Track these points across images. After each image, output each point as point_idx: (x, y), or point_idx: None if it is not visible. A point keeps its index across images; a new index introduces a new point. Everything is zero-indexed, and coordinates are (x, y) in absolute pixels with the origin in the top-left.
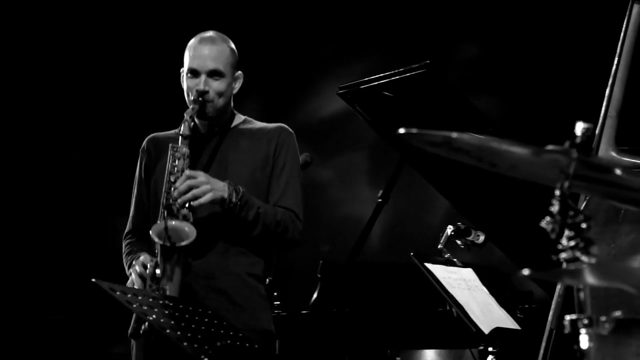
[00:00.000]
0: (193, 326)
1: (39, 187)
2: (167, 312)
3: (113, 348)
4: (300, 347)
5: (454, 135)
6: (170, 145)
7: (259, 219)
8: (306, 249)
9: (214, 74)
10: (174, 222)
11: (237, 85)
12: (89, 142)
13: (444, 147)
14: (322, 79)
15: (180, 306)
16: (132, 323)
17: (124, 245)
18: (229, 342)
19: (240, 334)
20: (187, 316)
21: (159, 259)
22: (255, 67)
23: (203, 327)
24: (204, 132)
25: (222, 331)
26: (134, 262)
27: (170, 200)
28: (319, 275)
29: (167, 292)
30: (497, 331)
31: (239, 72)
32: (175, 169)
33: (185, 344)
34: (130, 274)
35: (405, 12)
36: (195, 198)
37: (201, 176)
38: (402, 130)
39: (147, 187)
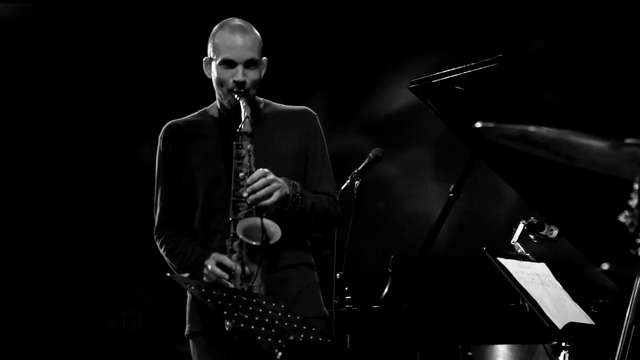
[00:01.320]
0: (266, 320)
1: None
2: (240, 306)
3: (180, 347)
4: (372, 342)
5: (531, 129)
6: (234, 142)
7: (313, 209)
8: (376, 243)
9: (250, 63)
10: (259, 220)
11: (263, 72)
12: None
13: (520, 141)
14: (387, 74)
15: (254, 300)
16: (187, 323)
17: (160, 239)
18: (301, 336)
19: (313, 328)
20: (260, 310)
21: (244, 258)
22: (322, 64)
23: (276, 322)
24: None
25: (295, 325)
26: (206, 263)
27: (239, 198)
28: (389, 270)
29: (255, 291)
30: (571, 326)
31: (265, 57)
32: (241, 166)
33: (259, 338)
34: (187, 267)
35: (469, 7)
36: (268, 196)
37: (270, 174)
38: (478, 124)
39: (177, 177)
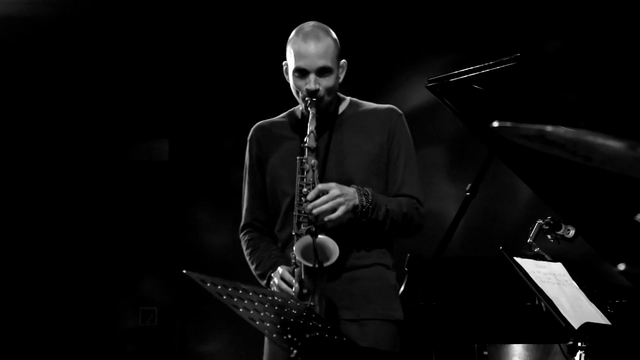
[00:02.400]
0: (282, 318)
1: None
2: (256, 304)
3: (200, 347)
4: None
5: (549, 128)
6: (297, 157)
7: (388, 217)
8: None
9: (322, 71)
10: (318, 238)
11: (343, 75)
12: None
13: (537, 141)
14: (401, 74)
15: (270, 298)
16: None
17: (243, 240)
18: (317, 334)
19: (329, 326)
20: (276, 308)
21: (303, 275)
22: None
23: (292, 319)
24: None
25: (311, 323)
26: (273, 276)
27: (303, 213)
28: (405, 269)
29: (317, 309)
30: (587, 326)
31: (343, 60)
32: (305, 180)
33: (274, 336)
34: (261, 276)
35: (483, 8)
36: (331, 211)
37: (334, 189)
38: (495, 124)
39: (262, 178)
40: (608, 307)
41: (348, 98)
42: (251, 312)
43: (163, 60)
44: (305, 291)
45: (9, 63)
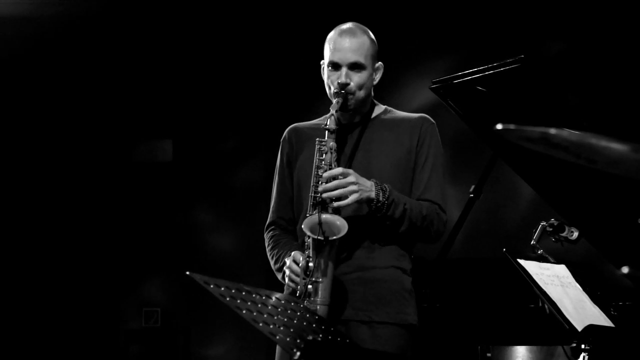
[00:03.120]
0: (285, 320)
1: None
2: (259, 305)
3: (203, 350)
4: None
5: (552, 131)
6: (317, 139)
7: (405, 216)
8: None
9: (354, 66)
10: (325, 216)
11: (378, 76)
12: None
13: (541, 143)
14: (402, 76)
15: (272, 299)
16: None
17: (266, 238)
18: (320, 336)
19: (332, 329)
20: (279, 309)
21: (311, 252)
22: None
23: (295, 321)
24: (345, 123)
25: (314, 325)
26: (286, 260)
27: (318, 195)
28: None
29: (321, 286)
30: (591, 328)
31: (380, 62)
32: (323, 162)
33: (277, 337)
34: (278, 269)
35: (484, 9)
36: (341, 197)
37: (350, 175)
38: (499, 126)
39: (290, 178)
40: (611, 309)
41: (384, 106)
42: (254, 313)
43: (167, 61)
44: (311, 265)
45: (14, 64)
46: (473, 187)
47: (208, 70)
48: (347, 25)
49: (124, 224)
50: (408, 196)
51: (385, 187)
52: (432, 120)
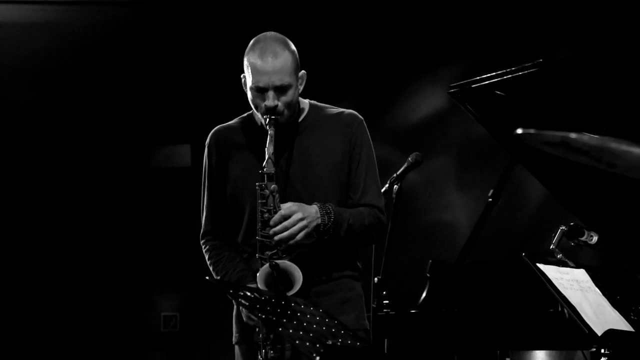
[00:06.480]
0: (304, 324)
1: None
2: (278, 310)
3: (216, 350)
4: (409, 346)
5: (573, 135)
6: (257, 183)
7: (350, 231)
8: (414, 248)
9: (281, 89)
10: (279, 264)
11: (302, 85)
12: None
13: (561, 148)
14: (411, 84)
15: (292, 304)
16: (235, 331)
17: (204, 247)
18: (340, 340)
19: (351, 333)
20: (298, 314)
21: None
22: (347, 73)
23: (315, 326)
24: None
25: (333, 330)
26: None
27: (267, 240)
28: (427, 275)
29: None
30: (610, 333)
31: (302, 71)
32: (266, 206)
33: (297, 342)
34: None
35: (493, 17)
36: (293, 237)
37: (296, 213)
38: (519, 131)
39: (222, 185)
40: (631, 314)
41: (307, 102)
42: (273, 318)
43: (185, 66)
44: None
45: (34, 70)
46: (492, 191)
47: (227, 76)
48: (266, 41)
49: (142, 230)
50: (346, 199)
51: (329, 208)
52: (360, 116)
